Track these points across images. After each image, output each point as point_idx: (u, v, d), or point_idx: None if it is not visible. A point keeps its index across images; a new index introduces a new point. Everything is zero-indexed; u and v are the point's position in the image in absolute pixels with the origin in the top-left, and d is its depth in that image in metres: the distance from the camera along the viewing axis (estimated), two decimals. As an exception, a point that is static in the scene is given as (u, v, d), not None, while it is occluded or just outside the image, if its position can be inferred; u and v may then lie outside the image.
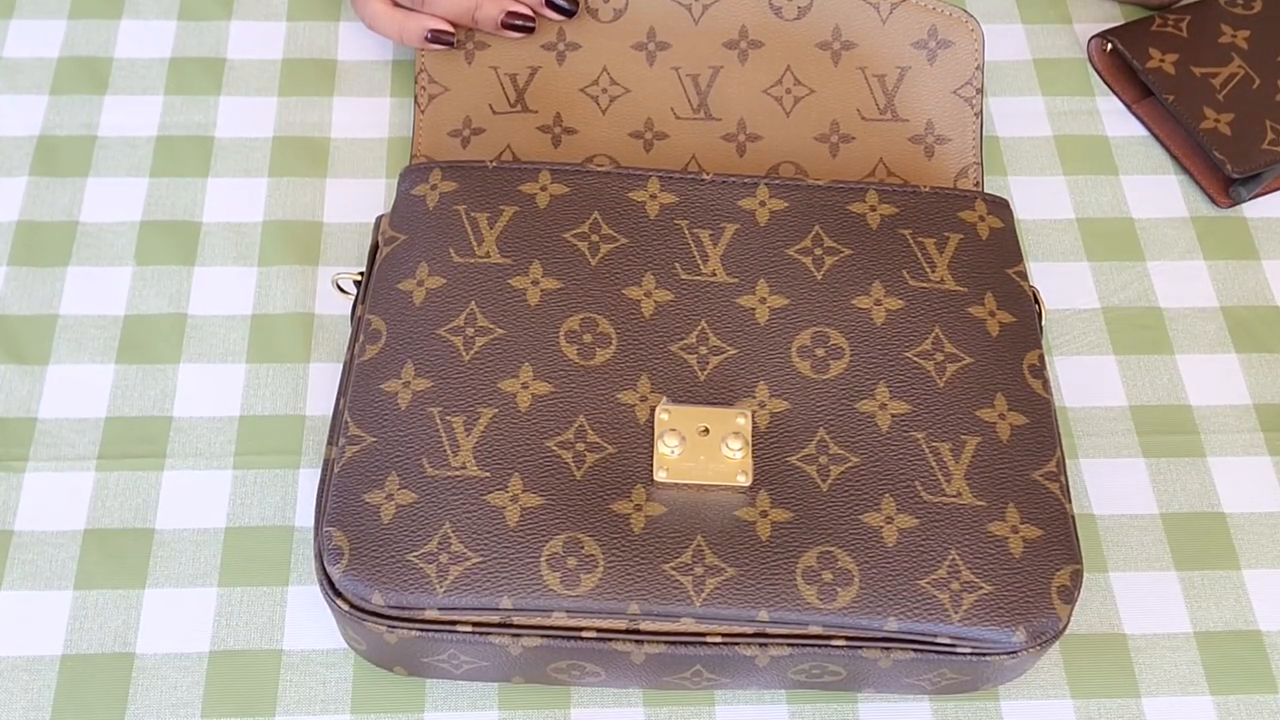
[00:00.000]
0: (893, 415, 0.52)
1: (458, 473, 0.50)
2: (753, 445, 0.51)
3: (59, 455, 0.57)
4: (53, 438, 0.57)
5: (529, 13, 0.64)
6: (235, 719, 0.51)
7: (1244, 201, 0.67)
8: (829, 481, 0.50)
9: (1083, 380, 0.61)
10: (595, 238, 0.56)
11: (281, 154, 0.66)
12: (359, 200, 0.65)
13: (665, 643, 0.48)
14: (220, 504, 0.56)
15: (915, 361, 0.53)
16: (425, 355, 0.52)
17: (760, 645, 0.48)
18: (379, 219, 0.58)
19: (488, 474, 0.50)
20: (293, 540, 0.56)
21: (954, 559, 0.49)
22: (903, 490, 0.50)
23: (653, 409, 0.52)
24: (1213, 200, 0.67)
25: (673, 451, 0.50)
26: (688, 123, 0.65)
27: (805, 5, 0.65)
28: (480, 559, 0.48)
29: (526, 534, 0.48)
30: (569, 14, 0.64)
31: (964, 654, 0.48)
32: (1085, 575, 0.56)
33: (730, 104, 0.65)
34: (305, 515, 0.56)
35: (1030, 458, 0.51)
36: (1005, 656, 0.48)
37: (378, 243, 0.57)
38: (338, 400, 0.54)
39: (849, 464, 0.51)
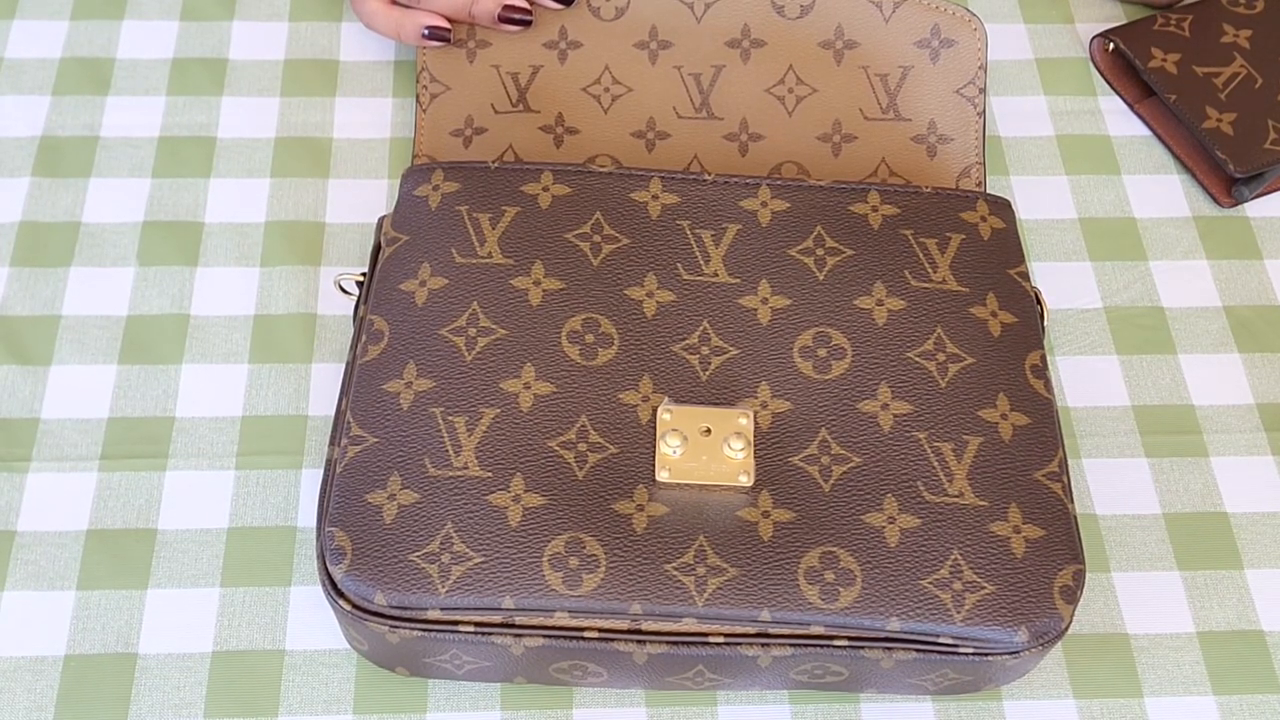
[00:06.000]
0: (895, 415, 0.52)
1: (460, 473, 0.50)
2: (755, 445, 0.51)
3: (62, 455, 0.57)
4: (55, 438, 0.58)
5: (526, 5, 0.64)
6: (238, 719, 0.51)
7: (1246, 201, 0.67)
8: (831, 482, 0.50)
9: (1085, 380, 0.61)
10: (597, 238, 0.56)
11: (283, 154, 0.66)
12: (361, 201, 0.65)
13: (667, 643, 0.48)
14: (223, 504, 0.56)
15: (917, 362, 0.53)
16: (427, 355, 0.52)
17: (762, 645, 0.48)
18: (381, 219, 0.58)
19: (490, 474, 0.50)
20: (295, 540, 0.56)
21: (956, 559, 0.49)
22: (905, 490, 0.50)
23: (655, 409, 0.52)
24: (1215, 200, 0.67)
25: (675, 451, 0.50)
26: (690, 122, 0.65)
27: (808, 4, 0.65)
28: (482, 559, 0.48)
29: (528, 534, 0.48)
30: (566, 1, 0.64)
31: (966, 654, 0.48)
32: (1088, 575, 0.56)
33: (732, 103, 0.65)
34: (307, 515, 0.56)
35: (1032, 458, 0.51)
36: (1008, 656, 0.48)
37: (380, 243, 0.57)
38: (340, 400, 0.54)
39: (851, 464, 0.51)
